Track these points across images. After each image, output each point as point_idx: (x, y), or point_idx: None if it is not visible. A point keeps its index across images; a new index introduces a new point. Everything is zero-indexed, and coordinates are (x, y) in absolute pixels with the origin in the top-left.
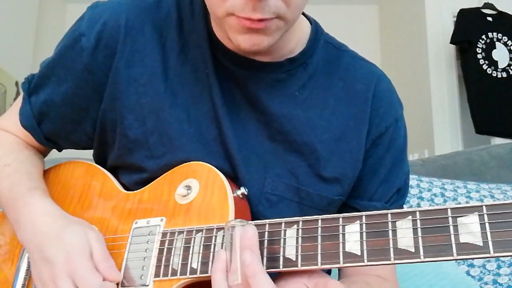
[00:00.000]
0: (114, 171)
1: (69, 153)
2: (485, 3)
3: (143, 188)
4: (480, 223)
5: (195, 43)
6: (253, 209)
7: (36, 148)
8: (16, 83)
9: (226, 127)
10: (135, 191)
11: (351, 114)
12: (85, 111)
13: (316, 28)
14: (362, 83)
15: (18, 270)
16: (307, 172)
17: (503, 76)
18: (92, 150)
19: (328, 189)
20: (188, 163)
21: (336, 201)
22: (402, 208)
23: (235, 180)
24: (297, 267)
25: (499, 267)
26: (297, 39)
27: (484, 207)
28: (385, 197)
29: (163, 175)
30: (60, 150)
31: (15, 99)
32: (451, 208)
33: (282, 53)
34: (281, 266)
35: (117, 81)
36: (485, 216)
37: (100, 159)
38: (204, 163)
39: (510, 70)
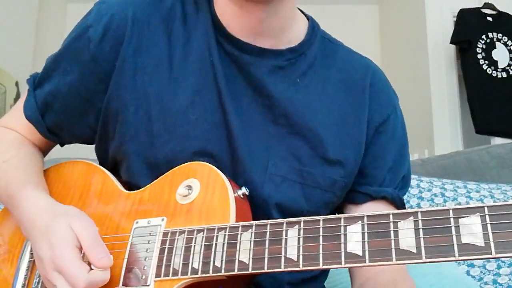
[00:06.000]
0: (116, 168)
1: (69, 153)
2: (485, 3)
3: (144, 188)
4: (482, 224)
5: (200, 34)
6: (259, 190)
7: (37, 145)
8: (16, 83)
9: (230, 112)
10: (136, 191)
11: (349, 101)
12: (89, 102)
13: (313, 24)
14: (359, 73)
15: (18, 270)
16: (310, 154)
17: (503, 76)
18: (93, 150)
19: (331, 171)
20: (189, 163)
21: (338, 182)
22: (404, 194)
23: (238, 164)
24: (299, 267)
25: (499, 267)
26: (296, 32)
27: (485, 208)
28: (393, 184)
29: (164, 175)
30: (62, 145)
31: (15, 99)
32: (452, 209)
33: (282, 41)
34: (282, 266)
35: (124, 70)
36: (487, 217)
37: (101, 153)
38: (205, 163)
39: (510, 70)
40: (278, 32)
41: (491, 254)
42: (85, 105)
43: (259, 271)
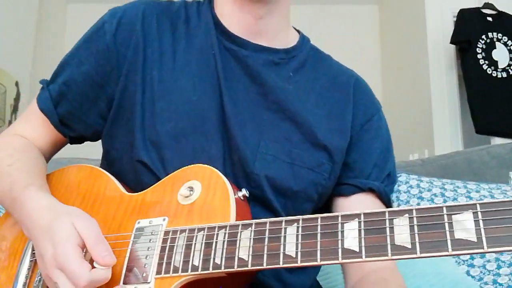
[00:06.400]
0: (123, 154)
1: (70, 153)
2: (485, 3)
3: (145, 190)
4: (474, 220)
5: (202, 33)
6: (250, 166)
7: (43, 149)
8: (16, 83)
9: (225, 97)
10: (138, 193)
11: (334, 98)
12: (102, 89)
13: (303, 35)
14: (344, 76)
15: (19, 270)
16: (300, 138)
17: (503, 76)
18: (93, 150)
19: (318, 154)
20: (190, 166)
21: (325, 165)
22: (392, 192)
23: (231, 142)
24: (297, 263)
25: (499, 267)
26: (289, 38)
27: (477, 205)
28: (379, 179)
29: (165, 177)
30: (71, 141)
31: (15, 99)
32: (446, 206)
33: (277, 43)
34: (281, 263)
35: (135, 58)
36: (479, 213)
37: (110, 140)
38: (206, 165)
39: (510, 70)
40: (274, 33)
41: (483, 249)
42: (98, 92)
43: (258, 267)
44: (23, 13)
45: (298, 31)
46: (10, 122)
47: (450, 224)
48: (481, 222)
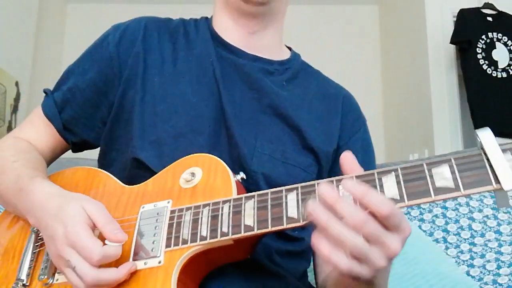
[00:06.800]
0: (122, 153)
1: (69, 153)
2: (485, 3)
3: (146, 181)
4: (451, 171)
5: (201, 43)
6: (248, 162)
7: (44, 154)
8: (16, 83)
9: (224, 99)
10: (138, 184)
11: (324, 108)
12: (105, 95)
13: (294, 52)
14: (334, 89)
15: (22, 262)
16: (292, 139)
17: (503, 76)
18: (92, 151)
19: (306, 155)
20: (190, 155)
21: (312, 166)
22: None
23: (231, 140)
24: (300, 223)
25: (499, 267)
26: (282, 53)
27: (452, 159)
28: None
29: (165, 168)
30: (73, 148)
31: (15, 99)
32: (426, 163)
33: (271, 54)
34: (285, 224)
35: (136, 65)
36: (454, 165)
37: (109, 140)
38: (206, 154)
39: (510, 70)
40: (267, 48)
41: (461, 192)
42: (101, 99)
43: (264, 231)
44: (23, 13)
45: (289, 48)
46: (10, 122)
47: (431, 176)
48: (456, 172)
